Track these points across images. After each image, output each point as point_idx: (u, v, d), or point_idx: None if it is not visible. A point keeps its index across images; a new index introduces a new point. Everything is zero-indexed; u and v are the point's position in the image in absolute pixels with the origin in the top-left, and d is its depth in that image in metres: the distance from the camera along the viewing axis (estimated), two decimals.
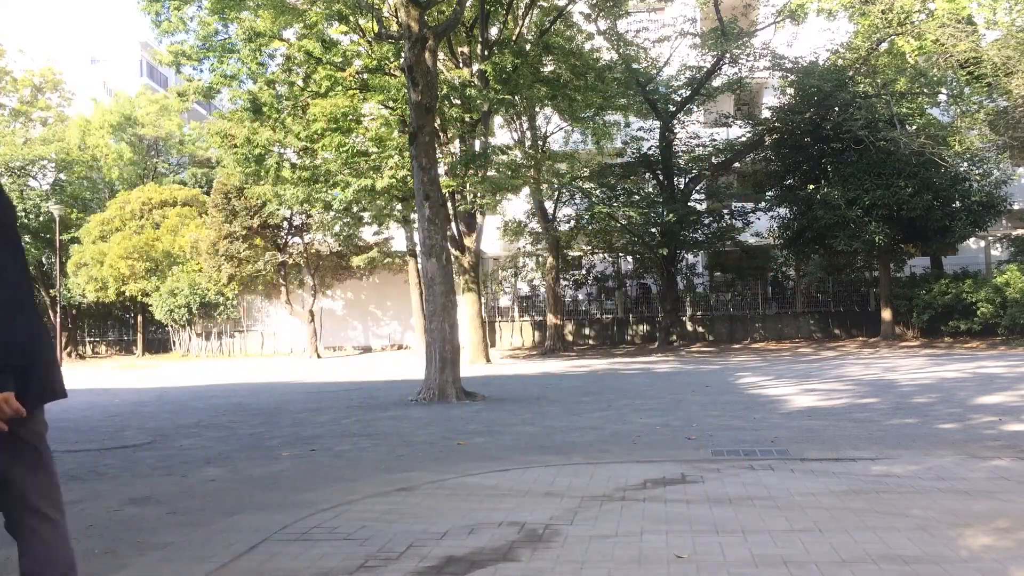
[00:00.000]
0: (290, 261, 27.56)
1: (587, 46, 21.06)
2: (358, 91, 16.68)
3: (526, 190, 22.96)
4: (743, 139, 25.02)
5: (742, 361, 18.26)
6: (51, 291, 31.50)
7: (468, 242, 20.22)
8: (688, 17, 24.67)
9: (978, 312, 21.13)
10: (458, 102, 17.53)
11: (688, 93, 24.42)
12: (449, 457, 6.23)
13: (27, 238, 31.50)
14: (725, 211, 25.03)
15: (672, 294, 24.82)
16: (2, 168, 31.48)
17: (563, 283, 26.73)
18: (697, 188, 25.40)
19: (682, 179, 25.27)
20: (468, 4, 14.82)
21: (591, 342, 27.73)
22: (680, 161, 25.09)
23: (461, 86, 17.23)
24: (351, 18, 15.78)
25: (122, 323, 33.82)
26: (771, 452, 5.90)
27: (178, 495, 5.11)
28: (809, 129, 22.99)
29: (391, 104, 17.21)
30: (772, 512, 4.05)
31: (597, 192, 23.92)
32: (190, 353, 29.97)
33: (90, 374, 22.53)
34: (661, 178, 24.99)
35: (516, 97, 18.38)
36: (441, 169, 16.86)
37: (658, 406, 9.37)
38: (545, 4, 19.43)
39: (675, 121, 24.82)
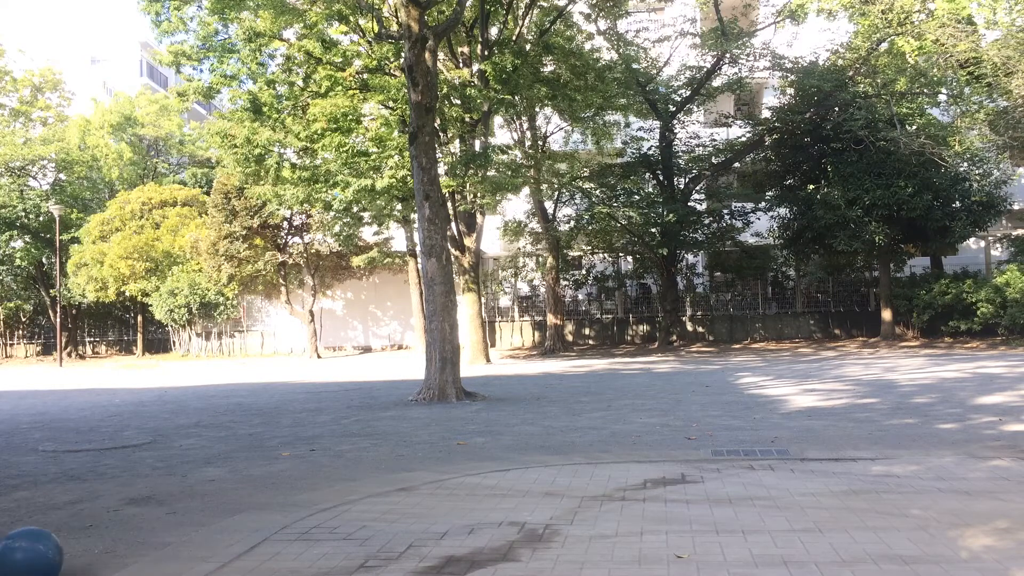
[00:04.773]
0: (290, 261, 27.56)
1: (587, 46, 21.06)
2: (358, 91, 16.69)
3: (526, 190, 22.96)
4: (743, 139, 25.02)
5: (742, 361, 18.26)
6: (51, 291, 31.51)
7: (468, 242, 20.22)
8: (688, 17, 24.68)
9: (978, 312, 21.13)
10: (458, 102, 17.53)
11: (688, 93, 24.43)
12: (449, 457, 6.23)
13: (27, 238, 31.52)
14: (725, 211, 25.05)
15: (672, 294, 24.83)
16: (2, 168, 31.48)
17: (563, 283, 26.73)
18: (697, 188, 25.41)
19: (682, 179, 25.28)
20: (468, 4, 14.82)
21: (591, 342, 27.73)
22: (680, 161, 25.09)
23: (461, 86, 17.24)
24: (351, 18, 15.78)
25: (122, 323, 33.83)
26: (771, 452, 5.90)
27: (178, 495, 5.11)
28: (809, 129, 22.99)
29: (391, 104, 17.21)
30: (772, 512, 4.05)
31: (597, 192, 23.92)
32: (190, 353, 29.97)
33: (90, 374, 22.54)
34: (661, 178, 24.99)
35: (516, 97, 18.38)
36: (441, 169, 16.86)
37: (658, 406, 9.37)
38: (545, 4, 19.44)
39: (675, 121, 24.82)
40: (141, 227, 28.91)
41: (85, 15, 44.00)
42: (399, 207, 21.47)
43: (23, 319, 34.40)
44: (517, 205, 26.07)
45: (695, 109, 25.71)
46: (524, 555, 3.42)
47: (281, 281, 27.71)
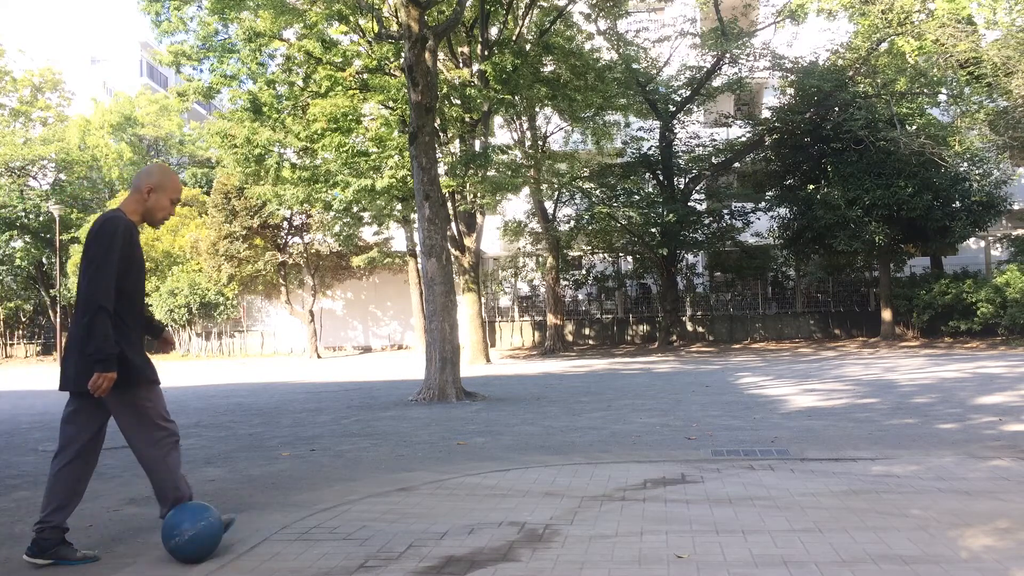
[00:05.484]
0: (290, 261, 27.57)
1: (587, 46, 21.07)
2: (358, 91, 16.69)
3: (526, 190, 22.96)
4: (743, 139, 25.03)
5: (742, 361, 18.26)
6: (51, 291, 31.51)
7: (468, 242, 20.23)
8: (688, 17, 24.68)
9: (978, 312, 21.13)
10: (458, 102, 17.53)
11: (688, 93, 24.43)
12: (449, 457, 6.23)
13: (27, 238, 31.51)
14: (725, 211, 25.05)
15: (672, 294, 24.83)
16: (2, 168, 31.48)
17: (563, 283, 26.74)
18: (697, 188, 25.41)
19: (682, 179, 25.28)
20: (468, 4, 14.82)
21: (591, 342, 27.73)
22: (680, 161, 25.10)
23: (461, 86, 17.24)
24: (351, 18, 15.78)
25: None
26: (771, 452, 5.89)
27: None
28: (809, 129, 22.99)
29: (391, 104, 17.21)
30: (772, 512, 4.05)
31: (597, 192, 23.93)
32: (190, 353, 29.98)
33: None
34: (661, 178, 24.99)
35: (516, 97, 18.39)
36: (441, 169, 16.87)
37: (658, 406, 9.37)
38: (545, 4, 19.44)
39: (675, 121, 24.82)
40: (141, 227, 28.92)
41: (85, 15, 43.99)
42: (399, 207, 21.47)
43: (23, 319, 34.40)
44: (517, 205, 26.07)
45: (695, 109, 25.72)
46: (524, 555, 3.42)
47: (281, 281, 27.71)
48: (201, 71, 16.56)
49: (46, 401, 13.06)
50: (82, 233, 29.63)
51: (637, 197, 23.45)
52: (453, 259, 17.34)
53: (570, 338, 27.39)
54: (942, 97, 22.14)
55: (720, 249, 26.18)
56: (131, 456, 6.73)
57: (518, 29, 18.44)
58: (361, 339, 31.24)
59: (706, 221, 24.75)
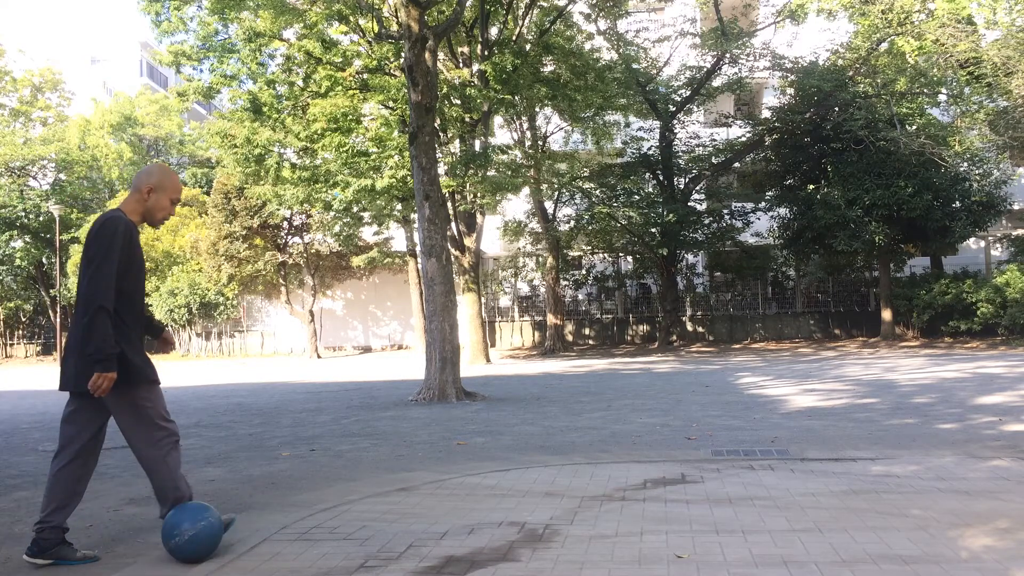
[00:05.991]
0: (290, 261, 27.57)
1: (587, 46, 21.07)
2: (358, 91, 16.69)
3: (526, 190, 22.96)
4: (743, 139, 25.02)
5: (742, 361, 18.26)
6: (51, 291, 31.51)
7: (468, 242, 20.23)
8: (688, 17, 24.68)
9: (978, 312, 21.13)
10: (458, 102, 17.53)
11: (688, 93, 24.43)
12: (449, 457, 6.23)
13: (27, 238, 31.50)
14: (725, 211, 25.05)
15: (672, 294, 24.83)
16: (2, 168, 31.47)
17: (563, 283, 26.74)
18: (697, 188, 25.41)
19: (682, 179, 25.28)
20: (468, 4, 14.82)
21: (591, 342, 27.73)
22: (680, 161, 25.10)
23: (461, 86, 17.24)
24: (351, 18, 15.78)
25: None
26: (771, 452, 5.89)
27: None
28: (809, 129, 22.99)
29: (391, 104, 17.21)
30: (772, 512, 4.05)
31: (597, 192, 23.93)
32: (190, 353, 29.97)
33: None
34: (661, 178, 24.99)
35: (516, 97, 18.39)
36: (441, 169, 16.87)
37: (658, 406, 9.37)
38: (545, 4, 19.44)
39: (675, 121, 24.82)
40: (141, 227, 28.92)
41: (85, 15, 43.99)
42: (399, 207, 21.47)
43: (23, 319, 34.40)
44: (517, 205, 26.07)
45: (695, 109, 25.72)
46: (524, 555, 3.42)
47: (281, 281, 27.71)
48: (201, 71, 16.56)
49: (46, 401, 13.06)
50: (82, 233, 29.64)
51: (637, 197, 23.45)
52: (453, 259, 17.34)
53: (570, 338, 27.39)
54: (942, 97, 22.14)
55: (720, 249, 26.18)
56: (131, 456, 6.73)
57: (518, 29, 18.44)
58: (361, 339, 31.24)
59: (706, 221, 24.76)
